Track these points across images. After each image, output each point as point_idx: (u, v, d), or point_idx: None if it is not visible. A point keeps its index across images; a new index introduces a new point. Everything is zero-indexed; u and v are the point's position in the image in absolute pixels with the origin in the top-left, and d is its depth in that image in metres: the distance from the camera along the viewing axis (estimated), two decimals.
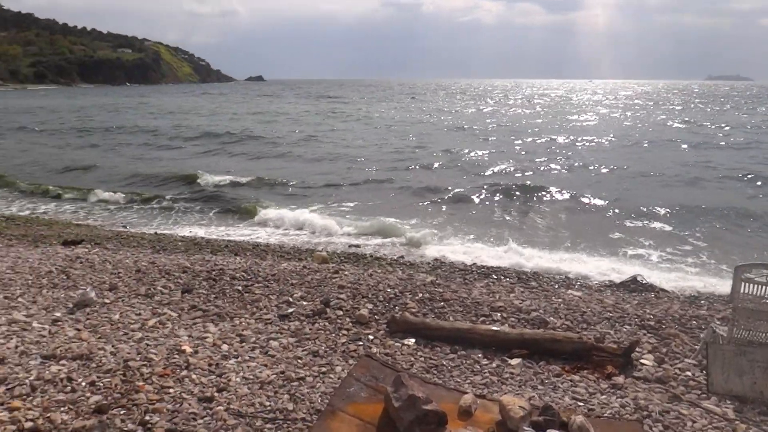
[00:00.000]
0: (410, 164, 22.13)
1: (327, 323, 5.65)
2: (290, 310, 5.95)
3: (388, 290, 6.57)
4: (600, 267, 9.55)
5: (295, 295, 6.40)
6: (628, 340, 5.16)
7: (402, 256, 10.15)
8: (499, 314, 5.95)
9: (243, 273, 7.16)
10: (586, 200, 15.44)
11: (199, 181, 18.57)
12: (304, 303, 6.17)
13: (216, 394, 4.00)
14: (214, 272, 7.16)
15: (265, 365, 4.56)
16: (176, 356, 4.65)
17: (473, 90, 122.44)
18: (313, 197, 16.20)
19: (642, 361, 4.89)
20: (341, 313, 5.91)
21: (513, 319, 5.84)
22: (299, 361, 4.68)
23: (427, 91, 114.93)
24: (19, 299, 6.27)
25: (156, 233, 11.97)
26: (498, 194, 16.24)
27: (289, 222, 12.89)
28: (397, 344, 5.14)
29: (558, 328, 5.54)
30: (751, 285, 4.49)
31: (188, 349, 4.81)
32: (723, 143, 28.44)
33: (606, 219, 13.52)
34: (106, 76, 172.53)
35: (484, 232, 11.99)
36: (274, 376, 4.34)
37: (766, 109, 58.05)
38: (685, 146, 27.40)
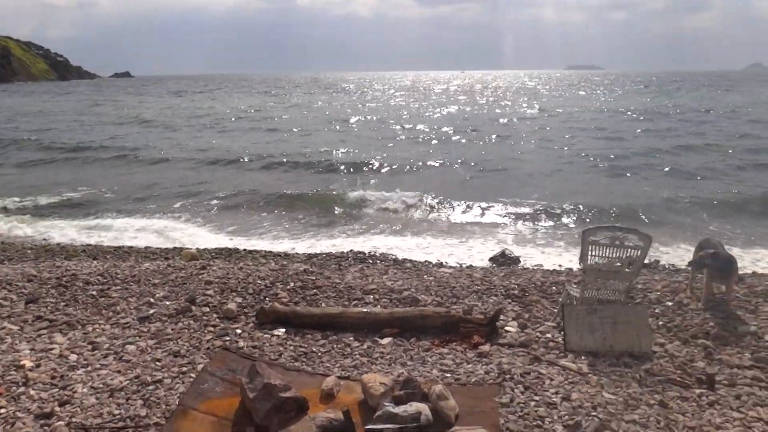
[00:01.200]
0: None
1: (192, 321, 5.33)
2: (151, 312, 5.54)
3: (259, 282, 6.34)
4: (474, 247, 9.90)
5: (157, 296, 5.98)
6: (493, 310, 5.34)
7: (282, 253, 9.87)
8: (371, 296, 5.94)
9: (99, 277, 6.58)
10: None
11: None
12: (167, 303, 5.78)
13: (57, 409, 3.60)
14: (65, 278, 6.51)
15: (118, 371, 4.19)
16: (13, 373, 4.15)
17: (343, 83, 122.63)
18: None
19: (507, 328, 5.09)
20: (208, 309, 5.61)
21: (385, 300, 5.86)
22: (158, 363, 4.35)
23: (295, 85, 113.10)
24: None
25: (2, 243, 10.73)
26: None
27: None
28: (266, 336, 4.95)
29: (429, 305, 5.63)
30: (597, 247, 4.81)
31: (28, 364, 4.32)
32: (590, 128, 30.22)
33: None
34: None
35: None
36: (127, 382, 3.99)
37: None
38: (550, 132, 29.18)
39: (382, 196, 13.97)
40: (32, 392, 3.84)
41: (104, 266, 7.18)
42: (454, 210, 12.97)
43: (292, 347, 4.69)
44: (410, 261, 8.71)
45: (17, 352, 4.60)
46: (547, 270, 7.85)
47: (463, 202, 13.44)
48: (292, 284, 6.30)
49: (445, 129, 29.73)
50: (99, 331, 5.09)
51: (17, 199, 14.83)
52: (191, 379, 4.01)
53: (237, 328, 5.17)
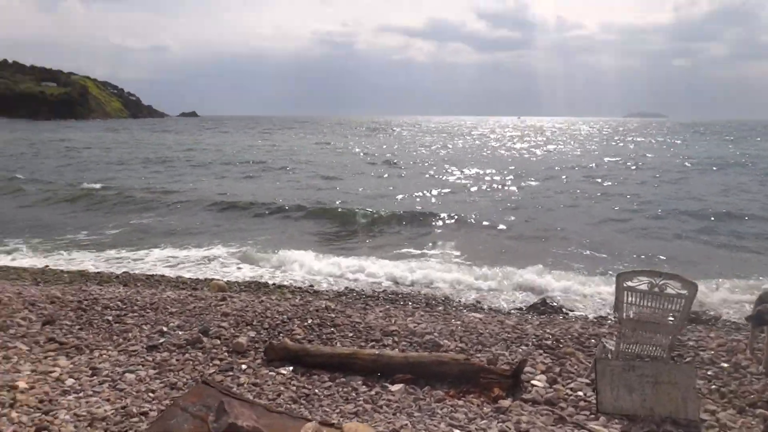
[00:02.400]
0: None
1: (200, 353, 5.09)
2: (161, 341, 5.35)
3: (276, 317, 6.08)
4: (512, 292, 9.37)
5: (171, 324, 5.80)
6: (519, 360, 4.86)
7: (311, 286, 9.62)
8: (390, 339, 5.57)
9: (119, 302, 6.49)
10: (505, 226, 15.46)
11: None
12: (180, 332, 5.58)
13: None
14: (85, 302, 6.45)
15: (108, 400, 3.97)
16: (4, 393, 3.99)
17: (408, 127, 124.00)
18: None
19: (533, 382, 4.60)
20: (218, 342, 5.37)
21: (405, 343, 5.46)
22: (151, 394, 4.11)
23: (355, 125, 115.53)
24: None
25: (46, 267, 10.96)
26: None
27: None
28: (271, 373, 4.64)
29: (451, 351, 5.20)
30: (634, 294, 4.30)
31: (22, 385, 4.16)
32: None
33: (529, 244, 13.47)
34: (29, 111, 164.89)
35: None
36: (113, 411, 3.75)
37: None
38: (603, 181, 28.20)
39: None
40: (14, 414, 3.66)
41: (127, 292, 7.12)
42: (506, 256, 12.41)
43: (294, 387, 4.36)
44: (445, 304, 8.27)
45: (18, 372, 4.47)
46: (590, 320, 7.26)
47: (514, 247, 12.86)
48: (310, 321, 6.01)
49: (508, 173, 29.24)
50: (105, 357, 4.92)
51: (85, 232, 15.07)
52: None
53: (243, 363, 4.89)
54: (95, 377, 4.44)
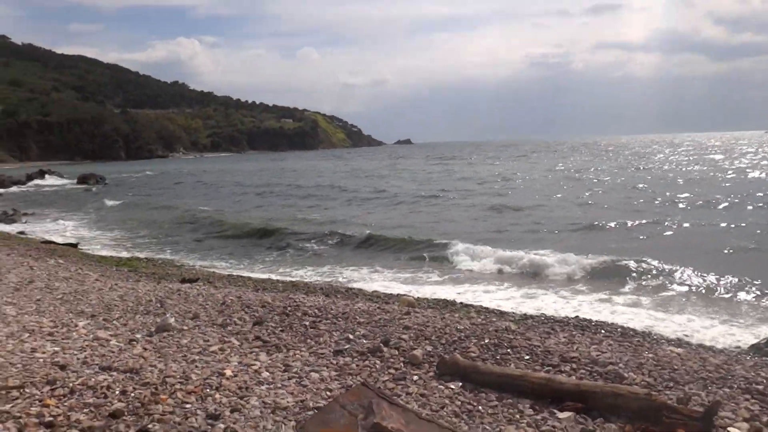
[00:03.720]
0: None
1: (378, 361, 5.41)
2: (346, 347, 5.81)
3: (455, 333, 6.18)
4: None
5: (357, 333, 6.26)
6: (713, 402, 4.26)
7: (498, 307, 9.55)
8: (569, 366, 5.28)
9: (316, 310, 7.18)
10: None
11: None
12: (364, 341, 5.99)
13: (227, 414, 3.94)
14: (288, 308, 7.27)
15: (292, 393, 4.44)
16: (214, 378, 4.70)
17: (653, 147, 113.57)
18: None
19: (730, 429, 4.00)
20: (396, 352, 5.64)
21: (583, 371, 5.14)
22: (327, 393, 4.49)
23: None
24: (115, 321, 6.83)
25: (271, 278, 12.54)
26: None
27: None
28: (439, 387, 4.74)
29: (634, 385, 4.76)
30: None
31: (229, 373, 4.85)
32: None
33: None
34: (271, 144, 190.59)
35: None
36: (293, 403, 4.19)
37: None
38: None
39: None
40: (218, 396, 4.29)
41: (324, 302, 7.83)
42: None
43: (459, 402, 4.40)
44: (641, 333, 7.57)
45: (227, 362, 5.23)
46: None
47: None
48: (486, 340, 5.98)
49: None
50: (297, 357, 5.50)
51: None
52: None
53: (416, 374, 5.07)
54: (286, 373, 4.99)
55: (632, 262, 12.51)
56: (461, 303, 9.51)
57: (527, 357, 5.53)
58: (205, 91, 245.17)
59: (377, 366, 5.27)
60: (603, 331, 7.69)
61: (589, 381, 4.65)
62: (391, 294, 10.15)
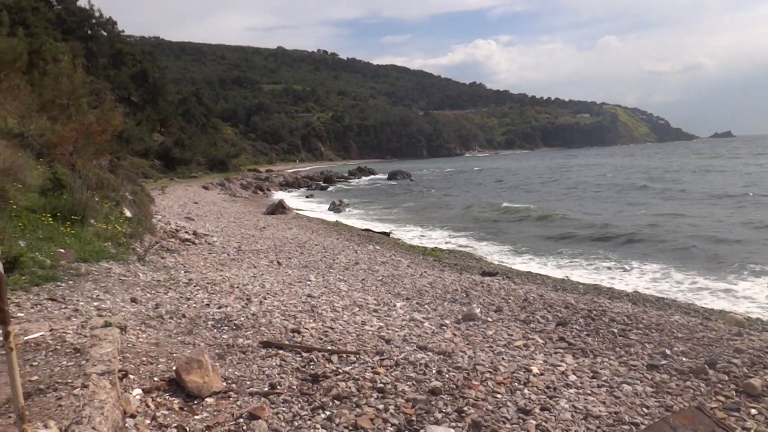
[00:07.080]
0: None
1: (703, 384, 4.77)
2: (663, 362, 5.28)
3: None
4: None
5: (674, 349, 5.63)
6: None
7: None
8: None
9: (624, 318, 6.70)
10: None
11: None
12: (684, 359, 5.36)
13: (537, 411, 3.94)
14: (594, 312, 6.93)
15: (603, 402, 4.21)
16: (521, 372, 4.76)
17: None
18: None
19: None
20: (726, 378, 4.89)
21: None
22: (644, 409, 4.14)
23: None
24: (426, 305, 7.47)
25: (566, 278, 12.18)
26: None
27: None
28: None
29: None
30: None
31: (536, 370, 4.85)
32: None
33: None
34: (564, 140, 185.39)
35: None
36: (606, 413, 3.97)
37: None
38: None
39: None
40: (526, 391, 4.32)
41: (633, 310, 7.25)
42: None
43: None
44: None
45: (533, 359, 5.24)
46: None
47: None
48: None
49: None
50: (606, 365, 5.21)
51: None
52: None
53: (753, 407, 4.32)
54: (594, 380, 4.76)
55: None
56: None
57: None
58: (500, 89, 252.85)
59: (701, 389, 4.65)
60: None
61: None
62: (712, 309, 8.89)
